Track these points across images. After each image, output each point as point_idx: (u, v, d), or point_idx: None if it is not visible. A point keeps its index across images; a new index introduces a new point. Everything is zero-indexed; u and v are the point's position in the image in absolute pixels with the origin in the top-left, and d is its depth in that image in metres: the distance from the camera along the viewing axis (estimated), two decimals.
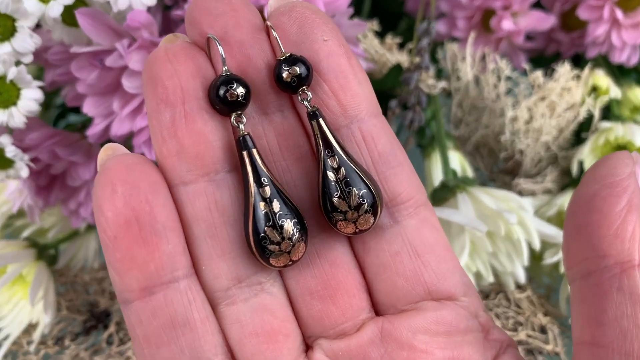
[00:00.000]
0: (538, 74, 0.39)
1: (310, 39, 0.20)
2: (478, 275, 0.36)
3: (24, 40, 0.28)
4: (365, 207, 0.20)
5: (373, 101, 0.21)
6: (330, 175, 0.20)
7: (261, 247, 0.19)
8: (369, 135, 0.21)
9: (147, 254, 0.19)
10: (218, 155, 0.20)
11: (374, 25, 0.39)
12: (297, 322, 0.21)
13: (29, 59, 0.29)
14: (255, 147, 0.19)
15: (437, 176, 0.39)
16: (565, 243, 0.20)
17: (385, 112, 0.36)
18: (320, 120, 0.20)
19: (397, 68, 0.37)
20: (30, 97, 0.30)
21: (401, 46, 0.42)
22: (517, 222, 0.32)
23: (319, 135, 0.20)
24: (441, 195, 0.35)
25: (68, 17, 0.30)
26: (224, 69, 0.19)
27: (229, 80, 0.19)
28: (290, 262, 0.20)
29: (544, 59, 0.47)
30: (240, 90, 0.19)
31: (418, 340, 0.20)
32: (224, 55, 0.19)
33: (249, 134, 0.20)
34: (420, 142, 0.43)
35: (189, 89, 0.19)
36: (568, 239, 0.20)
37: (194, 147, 0.19)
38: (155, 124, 0.19)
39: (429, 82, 0.40)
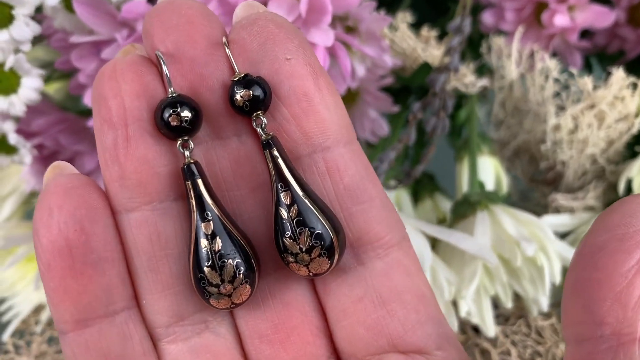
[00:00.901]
0: (587, 80, 0.35)
1: (271, 57, 0.18)
2: (496, 299, 0.33)
3: (21, 29, 0.27)
4: (319, 250, 0.18)
5: (344, 127, 0.19)
6: (282, 212, 0.18)
7: (201, 288, 0.18)
8: (334, 166, 0.18)
9: (80, 286, 0.17)
10: (163, 182, 0.18)
11: (407, 16, 0.35)
12: None
13: (27, 47, 0.28)
14: (201, 176, 0.18)
15: (466, 185, 0.36)
16: (563, 299, 0.18)
17: (405, 113, 0.34)
18: (274, 150, 0.18)
19: (425, 67, 0.34)
20: (30, 86, 0.29)
21: (441, 38, 0.38)
22: (538, 251, 0.29)
23: (272, 167, 0.18)
24: (461, 210, 0.32)
25: (70, 4, 0.28)
26: (170, 90, 0.18)
27: (174, 103, 0.17)
28: (233, 305, 0.18)
29: (605, 56, 0.42)
30: (186, 114, 0.17)
31: None
32: (168, 75, 0.17)
33: (195, 162, 0.18)
34: (454, 143, 0.40)
35: (133, 110, 0.17)
36: (566, 295, 0.18)
37: (135, 174, 0.18)
38: (100, 146, 0.18)
39: (466, 80, 0.37)
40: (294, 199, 0.18)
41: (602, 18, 0.37)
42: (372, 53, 0.32)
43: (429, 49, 0.36)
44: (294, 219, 0.18)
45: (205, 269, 0.17)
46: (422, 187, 0.41)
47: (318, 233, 0.18)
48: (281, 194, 0.18)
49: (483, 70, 0.40)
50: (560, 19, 0.37)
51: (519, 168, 0.40)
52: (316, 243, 0.18)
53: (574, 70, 0.36)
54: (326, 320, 0.19)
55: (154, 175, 0.18)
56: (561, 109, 0.37)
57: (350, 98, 0.37)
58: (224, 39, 0.18)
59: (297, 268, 0.18)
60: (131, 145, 0.18)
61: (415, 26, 0.37)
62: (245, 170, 0.18)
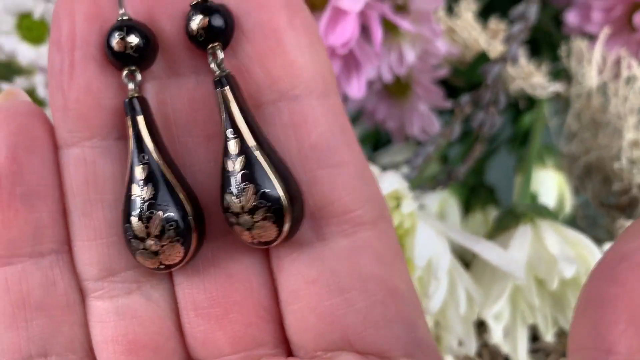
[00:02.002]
0: None
1: None
2: (535, 329, 0.28)
3: None
4: (264, 212, 0.15)
5: (320, 75, 0.16)
6: (228, 163, 0.15)
7: (127, 240, 0.15)
8: (302, 119, 0.15)
9: (5, 218, 0.16)
10: (107, 117, 0.16)
11: (471, 4, 0.32)
12: (181, 338, 0.16)
13: None
14: (144, 113, 0.15)
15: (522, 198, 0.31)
16: (573, 319, 0.14)
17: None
18: (227, 89, 0.15)
19: (483, 57, 0.30)
20: None
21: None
22: (585, 271, 0.24)
23: (223, 110, 0.15)
24: (504, 222, 0.28)
25: None
26: (120, 12, 0.15)
27: (121, 27, 0.15)
28: (163, 267, 0.15)
29: None
30: (133, 41, 0.15)
31: None
32: None
33: (139, 97, 0.15)
34: (516, 152, 0.35)
35: (83, 33, 0.15)
36: (576, 315, 0.14)
37: (77, 104, 0.16)
38: (48, 72, 0.16)
39: (534, 81, 0.33)
40: (243, 149, 0.15)
41: None
42: (423, 32, 0.29)
43: (494, 43, 0.32)
44: (239, 172, 0.15)
45: (132, 218, 0.15)
46: (475, 198, 0.36)
47: (265, 192, 0.15)
48: (229, 142, 0.15)
49: (560, 74, 0.35)
50: None
51: (588, 189, 0.35)
52: (261, 203, 0.15)
53: None
54: (278, 302, 0.16)
55: (98, 107, 0.16)
56: (639, 125, 0.31)
57: (400, 90, 0.34)
58: None
59: (240, 232, 0.15)
60: (75, 72, 0.16)
61: (484, 16, 0.33)
62: (200, 114, 0.16)
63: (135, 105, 0.15)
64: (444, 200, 0.35)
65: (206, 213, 0.16)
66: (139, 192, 0.15)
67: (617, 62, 0.33)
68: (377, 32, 0.25)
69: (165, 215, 0.15)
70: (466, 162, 0.28)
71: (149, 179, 0.15)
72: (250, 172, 0.15)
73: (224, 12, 0.15)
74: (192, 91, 0.16)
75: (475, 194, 0.37)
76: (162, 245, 0.15)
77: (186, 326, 0.16)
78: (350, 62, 0.26)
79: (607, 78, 0.33)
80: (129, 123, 0.15)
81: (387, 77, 0.31)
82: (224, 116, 0.15)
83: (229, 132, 0.15)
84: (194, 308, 0.16)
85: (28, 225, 0.16)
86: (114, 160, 0.16)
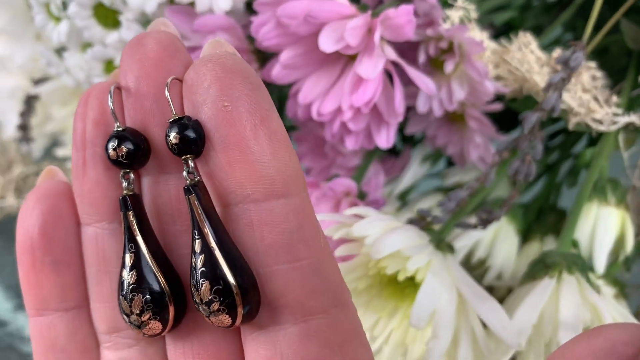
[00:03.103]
0: None
1: (211, 102, 0.17)
2: None
3: (127, 30, 0.30)
4: (217, 305, 0.17)
5: (282, 180, 0.17)
6: (193, 260, 0.17)
7: (119, 311, 0.18)
8: (262, 220, 0.17)
9: (39, 281, 0.20)
10: (113, 205, 0.19)
11: (528, 37, 0.31)
12: None
13: None
14: (134, 209, 0.18)
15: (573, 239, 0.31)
16: None
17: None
18: (193, 197, 0.17)
19: (529, 100, 0.29)
20: None
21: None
22: None
23: (191, 213, 0.17)
24: (533, 271, 0.28)
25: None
26: (115, 124, 0.18)
27: (114, 137, 0.18)
28: (147, 335, 0.18)
29: None
30: (124, 150, 0.18)
31: None
32: (112, 108, 0.18)
33: (131, 194, 0.18)
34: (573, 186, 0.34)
35: (91, 136, 0.19)
36: None
37: (90, 194, 0.19)
38: (72, 166, 0.20)
39: (598, 116, 0.31)
40: (203, 249, 0.17)
41: None
42: (470, 73, 0.29)
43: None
44: (199, 269, 0.17)
45: (120, 297, 0.18)
46: (539, 225, 0.36)
47: (218, 288, 0.17)
48: (195, 242, 0.17)
49: (637, 103, 0.33)
50: None
51: None
52: (215, 298, 0.17)
53: None
54: None
55: (105, 197, 0.19)
56: None
57: (459, 117, 0.34)
58: (169, 80, 0.18)
59: (204, 316, 0.18)
60: (87, 168, 0.19)
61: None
62: (184, 207, 0.18)
63: (126, 202, 0.18)
64: (500, 227, 0.34)
65: (189, 289, 0.18)
66: (126, 276, 0.18)
67: None
68: (398, 96, 0.26)
69: (145, 297, 0.18)
70: (503, 207, 0.28)
71: (134, 266, 0.18)
72: (207, 270, 0.17)
73: (196, 128, 0.17)
74: (177, 188, 0.18)
75: (541, 219, 0.36)
76: (143, 321, 0.18)
77: None
78: (377, 116, 0.27)
79: None
80: (122, 218, 0.18)
81: (438, 113, 0.31)
82: (191, 219, 0.17)
83: (195, 233, 0.17)
84: None
85: (56, 287, 0.20)
86: (119, 240, 0.19)
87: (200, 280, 0.17)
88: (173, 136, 0.17)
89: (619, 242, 0.31)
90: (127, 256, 0.18)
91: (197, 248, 0.17)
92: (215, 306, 0.17)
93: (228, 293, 0.17)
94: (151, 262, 0.18)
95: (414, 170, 0.39)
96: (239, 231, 0.18)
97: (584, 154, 0.33)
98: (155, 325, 0.18)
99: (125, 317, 0.18)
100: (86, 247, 0.19)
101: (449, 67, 0.29)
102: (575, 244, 0.29)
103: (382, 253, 0.23)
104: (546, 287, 0.25)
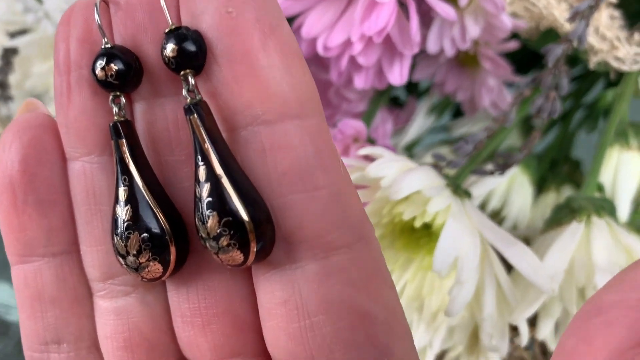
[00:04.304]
0: None
1: (213, 9, 0.15)
2: None
3: None
4: (227, 239, 0.15)
5: (296, 98, 0.15)
6: (197, 190, 0.15)
7: (114, 254, 0.16)
8: (274, 144, 0.15)
9: (21, 223, 0.17)
10: (101, 135, 0.16)
11: None
12: (174, 338, 0.17)
13: None
14: (127, 137, 0.16)
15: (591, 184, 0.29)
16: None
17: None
18: (195, 117, 0.15)
19: (550, 34, 0.27)
20: None
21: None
22: None
23: (192, 136, 0.15)
24: (559, 217, 0.25)
25: None
26: (103, 40, 0.16)
27: (102, 55, 0.15)
28: (145, 280, 0.16)
29: None
30: (114, 69, 0.15)
31: None
32: (99, 23, 0.16)
33: (123, 121, 0.16)
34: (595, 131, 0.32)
35: (76, 57, 0.16)
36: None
37: (76, 123, 0.16)
38: (54, 91, 0.17)
39: (620, 54, 0.29)
40: (209, 177, 0.15)
41: None
42: (485, 6, 0.26)
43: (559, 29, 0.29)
44: (205, 199, 0.15)
45: (115, 237, 0.16)
46: (553, 175, 0.34)
47: (227, 220, 0.15)
48: (198, 169, 0.15)
49: None
50: None
51: None
52: (224, 231, 0.15)
53: None
54: (258, 315, 0.16)
55: (93, 126, 0.16)
56: None
57: (470, 60, 0.32)
58: None
59: (211, 254, 0.15)
60: (72, 94, 0.16)
61: None
62: (182, 135, 0.16)
63: (118, 129, 0.16)
64: (514, 177, 0.32)
65: (191, 227, 0.16)
66: (120, 213, 0.16)
67: None
68: (414, 21, 0.23)
69: (142, 235, 0.15)
70: (523, 150, 0.26)
71: (129, 201, 0.16)
72: (214, 200, 0.15)
73: (196, 39, 0.15)
74: (174, 112, 0.16)
75: (555, 169, 0.35)
76: (141, 263, 0.16)
77: (176, 329, 0.17)
78: (390, 48, 0.25)
79: None
80: (113, 147, 0.16)
81: (450, 52, 0.29)
82: (193, 143, 0.15)
83: (198, 159, 0.15)
84: (180, 315, 0.17)
85: (40, 229, 0.17)
86: (109, 176, 0.17)
87: (207, 213, 0.15)
88: (170, 49, 0.15)
89: None
90: (121, 190, 0.16)
91: (202, 176, 0.15)
92: (225, 241, 0.15)
93: (239, 226, 0.15)
94: (148, 196, 0.16)
95: (420, 122, 0.37)
96: (248, 158, 0.15)
97: (605, 95, 0.31)
98: (155, 268, 0.16)
99: (120, 259, 0.16)
100: (74, 185, 0.17)
101: (462, 1, 0.27)
102: (600, 188, 0.27)
103: (402, 193, 0.21)
104: (575, 232, 0.23)
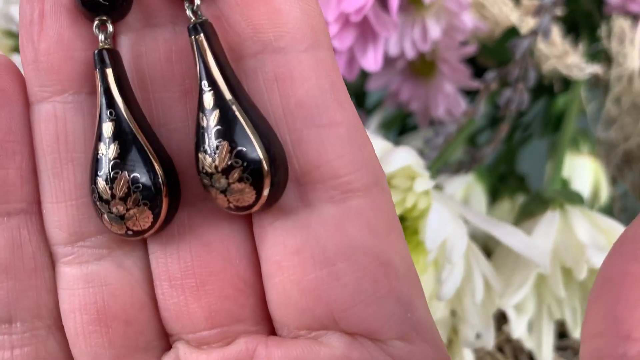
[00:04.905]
0: None
1: None
2: (563, 325, 0.25)
3: None
4: (240, 172, 0.13)
5: (309, 26, 0.14)
6: (202, 119, 0.13)
7: (94, 202, 0.14)
8: (287, 73, 0.13)
9: None
10: (79, 70, 0.14)
11: None
12: (155, 310, 0.15)
13: None
14: (114, 66, 0.13)
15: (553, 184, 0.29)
16: (588, 304, 0.12)
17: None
18: (202, 37, 0.13)
19: (512, 32, 0.27)
20: None
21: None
22: None
23: (197, 60, 0.13)
24: (531, 208, 0.25)
25: None
26: None
27: None
28: (131, 233, 0.14)
29: None
30: None
31: None
32: None
33: (110, 49, 0.14)
34: (549, 137, 0.33)
35: None
36: (590, 299, 0.12)
37: (48, 56, 0.14)
38: (19, 22, 0.14)
39: (570, 61, 0.30)
40: (218, 103, 0.13)
41: None
42: (448, 4, 0.26)
43: (526, 20, 0.30)
44: (214, 128, 0.13)
45: (97, 179, 0.13)
46: (504, 186, 0.34)
47: (240, 150, 0.13)
48: (204, 95, 0.13)
49: (598, 56, 0.32)
50: None
51: (628, 178, 0.32)
52: (237, 163, 0.13)
53: None
54: (260, 274, 0.14)
55: (69, 60, 0.14)
56: None
57: (425, 69, 0.31)
58: None
59: (215, 195, 0.13)
60: (46, 22, 0.14)
61: None
62: (177, 68, 0.14)
63: (104, 57, 0.13)
64: (469, 186, 0.32)
65: (182, 176, 0.14)
66: (104, 151, 0.13)
67: None
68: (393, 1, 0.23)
69: (132, 176, 0.13)
70: (492, 144, 0.26)
71: (116, 137, 0.13)
72: (225, 128, 0.13)
73: None
74: (169, 43, 0.14)
75: (504, 182, 0.35)
76: (128, 209, 0.13)
77: (160, 298, 0.14)
78: (365, 31, 0.24)
79: None
80: (98, 77, 0.14)
81: (411, 53, 0.28)
82: (198, 66, 0.13)
83: (204, 84, 0.13)
84: (167, 278, 0.14)
85: None
86: (86, 116, 0.14)
87: (215, 142, 0.13)
88: None
89: (595, 191, 0.30)
90: (106, 126, 0.13)
91: (208, 103, 0.13)
92: (236, 174, 0.13)
93: (253, 157, 0.13)
94: (137, 132, 0.13)
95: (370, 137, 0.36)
96: (257, 88, 0.13)
97: (556, 102, 0.31)
98: (144, 217, 0.13)
99: (101, 207, 0.13)
100: (40, 131, 0.14)
101: None
102: (565, 183, 0.27)
103: (393, 167, 0.19)
104: (552, 219, 0.23)
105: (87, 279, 0.14)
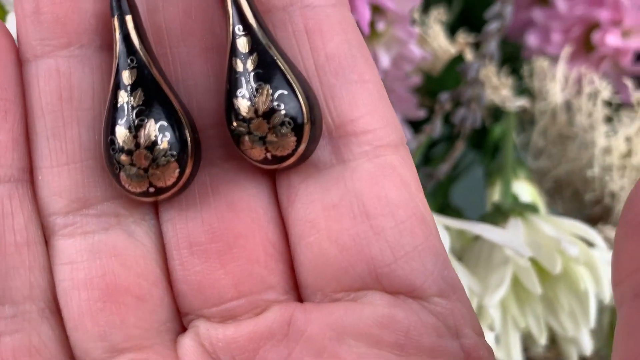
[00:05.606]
0: None
1: None
2: (527, 335, 0.25)
3: None
4: (282, 117, 0.12)
5: None
6: (238, 63, 0.12)
7: (110, 157, 0.12)
8: (317, 27, 0.13)
9: None
10: (88, 22, 0.13)
11: (441, 14, 0.31)
12: (168, 286, 0.13)
13: None
14: (132, 13, 0.12)
15: None
16: (617, 245, 0.12)
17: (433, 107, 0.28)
18: None
19: (458, 59, 0.29)
20: None
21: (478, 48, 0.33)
22: (584, 262, 0.22)
23: (230, 3, 0.12)
24: (491, 219, 0.26)
25: None
26: None
27: None
28: (152, 191, 0.12)
29: None
30: None
31: (346, 348, 0.12)
32: None
33: None
34: (489, 166, 0.34)
35: None
36: (621, 239, 0.12)
37: (52, 6, 0.13)
38: None
39: (504, 93, 0.32)
40: (255, 46, 0.12)
41: None
42: (398, 34, 0.27)
43: (465, 53, 0.31)
44: (253, 71, 0.12)
45: (118, 128, 0.12)
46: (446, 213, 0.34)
47: (282, 93, 0.12)
48: (238, 40, 0.12)
49: (523, 92, 0.35)
50: (614, 39, 0.32)
51: (559, 204, 0.33)
52: (278, 106, 0.12)
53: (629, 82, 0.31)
54: (287, 240, 0.13)
55: (77, 10, 0.13)
56: (609, 134, 0.31)
57: None
58: None
59: (251, 146, 0.12)
60: None
61: (451, 30, 0.33)
62: (197, 24, 0.13)
63: (123, 3, 0.12)
64: None
65: (202, 135, 0.13)
66: (125, 98, 0.12)
67: (578, 80, 0.33)
68: (364, 13, 0.23)
69: (159, 123, 0.12)
70: (447, 161, 0.26)
71: (139, 84, 0.12)
72: (264, 71, 0.12)
73: None
74: None
75: (442, 214, 0.35)
76: (154, 160, 0.12)
77: (177, 269, 0.13)
78: None
79: (569, 95, 0.33)
80: (116, 24, 0.12)
81: None
82: (231, 11, 0.12)
83: (238, 29, 0.12)
84: (188, 245, 0.13)
85: None
86: (94, 72, 0.13)
87: (255, 85, 0.12)
88: None
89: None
90: (126, 73, 0.12)
91: (243, 47, 0.12)
92: (279, 118, 0.12)
93: (295, 102, 0.12)
94: (160, 81, 0.12)
95: None
96: (287, 40, 0.13)
97: (493, 130, 0.33)
98: (171, 171, 0.12)
99: (121, 161, 0.12)
100: (38, 89, 0.13)
101: (380, 25, 0.28)
102: (516, 198, 0.28)
103: None
104: (516, 224, 0.24)
105: (94, 250, 0.12)
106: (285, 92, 0.12)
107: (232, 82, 0.12)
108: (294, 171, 0.13)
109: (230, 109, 0.12)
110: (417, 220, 0.13)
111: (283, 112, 0.12)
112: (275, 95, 0.12)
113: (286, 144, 0.12)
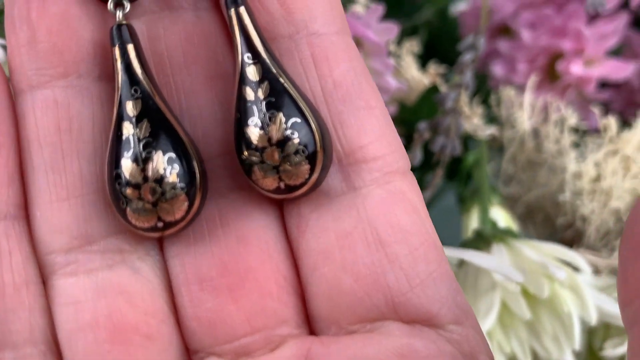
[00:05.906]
0: (610, 122, 0.30)
1: None
2: (512, 358, 0.25)
3: None
4: (296, 145, 0.11)
5: (338, 13, 0.13)
6: (248, 92, 0.12)
7: (115, 191, 0.11)
8: (323, 54, 0.13)
9: None
10: (86, 51, 0.12)
11: (414, 45, 0.31)
12: (176, 323, 0.12)
13: None
14: (133, 42, 0.12)
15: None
16: (622, 267, 0.12)
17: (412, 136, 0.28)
18: (242, 9, 0.12)
19: (433, 89, 0.29)
20: None
21: (448, 80, 0.34)
22: (568, 285, 0.22)
23: (238, 32, 0.12)
24: (473, 246, 0.26)
25: None
26: None
27: None
28: (161, 225, 0.12)
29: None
30: None
31: None
32: None
33: (128, 24, 0.12)
34: (462, 194, 0.34)
35: None
36: (626, 261, 0.12)
37: (50, 36, 0.12)
38: (7, 3, 0.12)
39: (475, 122, 0.32)
40: (265, 75, 0.12)
41: (619, 71, 0.33)
42: (375, 66, 0.27)
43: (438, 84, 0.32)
44: (264, 99, 0.12)
45: (124, 161, 0.11)
46: None
47: (296, 121, 0.12)
48: (247, 69, 0.12)
49: (492, 121, 0.35)
50: (577, 68, 0.33)
51: (531, 228, 0.34)
52: (292, 134, 0.11)
53: (596, 109, 0.32)
54: (298, 272, 0.12)
55: (75, 39, 0.12)
56: (578, 159, 0.32)
57: None
58: None
59: (263, 175, 0.12)
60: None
61: (423, 61, 0.33)
62: (200, 53, 0.13)
63: (123, 32, 0.12)
64: None
65: (208, 165, 0.12)
66: (131, 130, 0.11)
67: (545, 108, 0.34)
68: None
69: (167, 155, 0.11)
70: (428, 189, 0.26)
71: (144, 115, 0.12)
72: (277, 99, 0.12)
73: None
74: (190, 26, 0.13)
75: None
76: (163, 194, 0.11)
77: (187, 305, 0.12)
78: None
79: (536, 122, 0.33)
80: (117, 53, 0.12)
81: None
82: (239, 40, 0.12)
83: (247, 57, 0.12)
84: (198, 281, 0.12)
85: None
86: (94, 102, 0.12)
87: (268, 114, 0.11)
88: None
89: None
90: (129, 104, 0.12)
91: (254, 75, 0.12)
92: (293, 147, 0.11)
93: (308, 130, 0.12)
94: (165, 111, 0.12)
95: None
96: (294, 67, 0.13)
97: (467, 158, 0.33)
98: (179, 205, 0.11)
99: (127, 195, 0.11)
100: (35, 121, 0.12)
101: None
102: (494, 224, 0.28)
103: None
104: (500, 250, 0.24)
105: (99, 288, 0.12)
106: (299, 120, 0.12)
107: (242, 111, 0.12)
108: (303, 200, 0.12)
109: (241, 138, 0.12)
110: (430, 247, 0.13)
111: (297, 140, 0.11)
112: (289, 124, 0.11)
113: (300, 172, 0.12)
